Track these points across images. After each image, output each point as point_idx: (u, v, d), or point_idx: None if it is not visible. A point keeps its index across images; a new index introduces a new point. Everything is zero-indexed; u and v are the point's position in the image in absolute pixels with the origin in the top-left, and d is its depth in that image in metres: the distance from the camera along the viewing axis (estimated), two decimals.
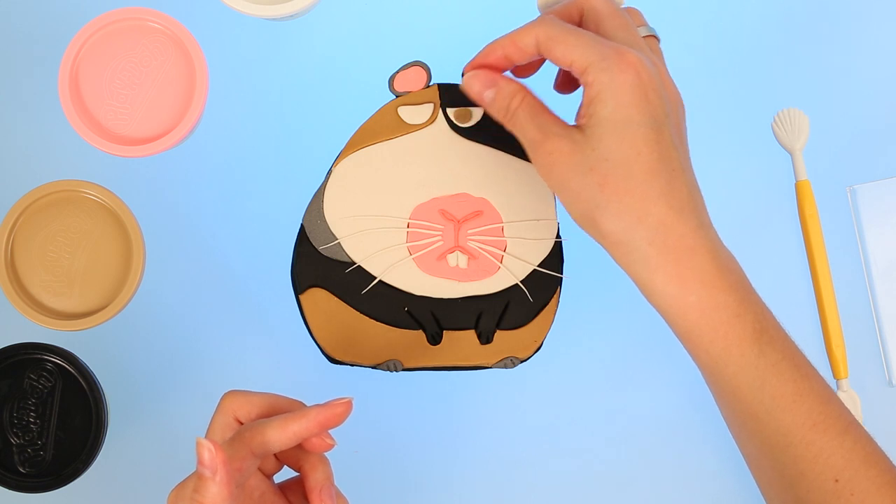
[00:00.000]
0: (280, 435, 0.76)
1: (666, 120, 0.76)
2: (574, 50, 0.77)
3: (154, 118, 0.90)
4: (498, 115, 0.82)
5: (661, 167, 0.75)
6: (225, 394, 0.79)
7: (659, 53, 0.82)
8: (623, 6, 0.83)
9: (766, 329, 0.76)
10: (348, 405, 0.77)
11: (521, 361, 0.92)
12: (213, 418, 0.79)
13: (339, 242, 0.91)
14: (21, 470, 0.88)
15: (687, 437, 0.94)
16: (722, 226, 0.78)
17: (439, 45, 0.94)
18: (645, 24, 0.83)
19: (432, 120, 0.92)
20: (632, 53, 0.76)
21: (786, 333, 0.78)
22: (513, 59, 0.81)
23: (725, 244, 0.79)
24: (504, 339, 0.92)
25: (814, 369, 0.78)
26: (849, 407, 0.92)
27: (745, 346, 0.76)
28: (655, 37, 0.82)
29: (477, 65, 0.83)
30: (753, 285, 0.78)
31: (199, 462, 0.73)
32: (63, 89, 0.89)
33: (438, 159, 0.92)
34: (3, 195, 0.91)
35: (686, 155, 0.79)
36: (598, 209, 0.76)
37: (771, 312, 0.78)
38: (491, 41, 0.81)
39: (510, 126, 0.81)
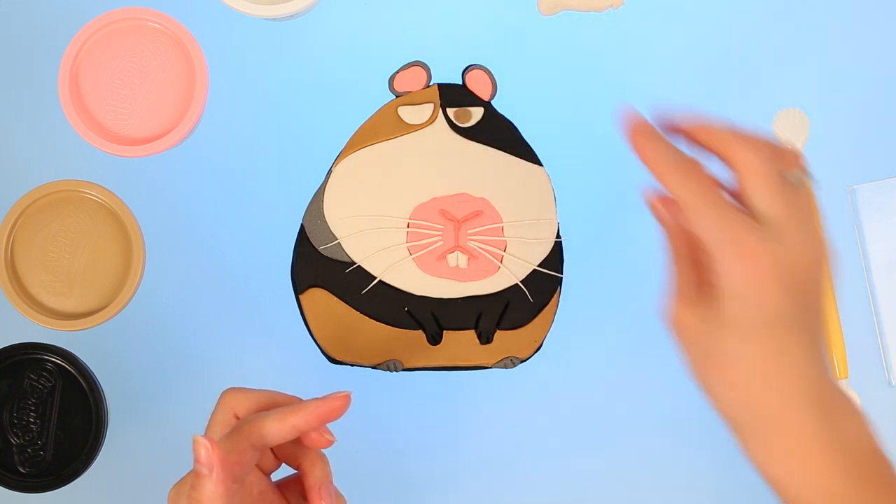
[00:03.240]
0: (279, 427, 0.76)
1: (788, 311, 0.72)
2: (703, 232, 0.73)
3: (154, 118, 0.90)
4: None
5: (778, 365, 0.72)
6: (224, 391, 0.79)
7: (806, 204, 0.75)
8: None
9: None
10: (347, 398, 0.77)
11: (521, 361, 0.92)
12: (212, 415, 0.79)
13: (339, 242, 0.91)
14: (21, 470, 0.88)
15: (687, 437, 0.94)
16: None
17: (439, 45, 0.94)
18: (794, 169, 0.75)
19: (432, 120, 0.92)
20: (751, 241, 0.72)
21: None
22: (655, 178, 0.77)
23: None
24: (504, 339, 0.91)
25: None
26: None
27: None
28: (806, 180, 0.76)
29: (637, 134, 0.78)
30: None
31: (196, 460, 0.73)
32: (63, 89, 0.89)
33: (438, 159, 0.92)
34: (3, 195, 0.91)
35: (814, 321, 0.74)
36: (711, 391, 0.74)
37: None
38: (655, 150, 0.76)
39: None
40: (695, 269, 0.76)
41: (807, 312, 0.73)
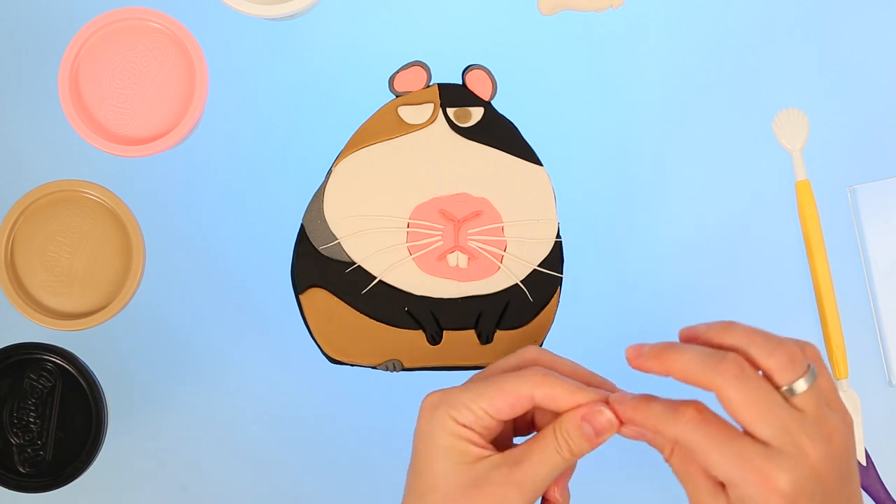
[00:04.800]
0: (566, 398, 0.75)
1: None
2: (718, 467, 0.72)
3: (154, 118, 0.90)
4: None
5: None
6: (534, 368, 0.77)
7: (813, 405, 0.73)
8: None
9: None
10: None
11: None
12: (511, 383, 0.76)
13: (339, 242, 0.91)
14: (21, 470, 0.88)
15: None
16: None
17: (439, 45, 0.94)
18: (798, 377, 0.73)
19: (432, 120, 0.92)
20: (778, 476, 0.71)
21: None
22: (650, 431, 0.76)
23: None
24: (504, 339, 0.91)
25: None
26: (849, 407, 0.92)
27: None
28: (818, 369, 0.75)
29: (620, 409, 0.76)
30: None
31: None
32: (63, 89, 0.89)
33: (438, 159, 0.92)
34: (3, 195, 0.91)
35: (854, 494, 0.74)
36: None
37: None
38: (639, 404, 0.75)
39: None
40: (700, 470, 0.74)
41: (849, 477, 0.73)
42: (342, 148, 0.92)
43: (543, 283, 0.92)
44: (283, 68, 0.95)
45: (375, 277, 0.91)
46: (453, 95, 0.92)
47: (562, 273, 0.92)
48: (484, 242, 0.91)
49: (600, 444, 0.75)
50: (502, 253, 0.91)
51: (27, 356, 0.88)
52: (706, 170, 0.96)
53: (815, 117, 0.96)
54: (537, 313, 0.92)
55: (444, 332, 0.91)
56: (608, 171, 0.95)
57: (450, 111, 0.92)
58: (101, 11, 0.90)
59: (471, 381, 0.79)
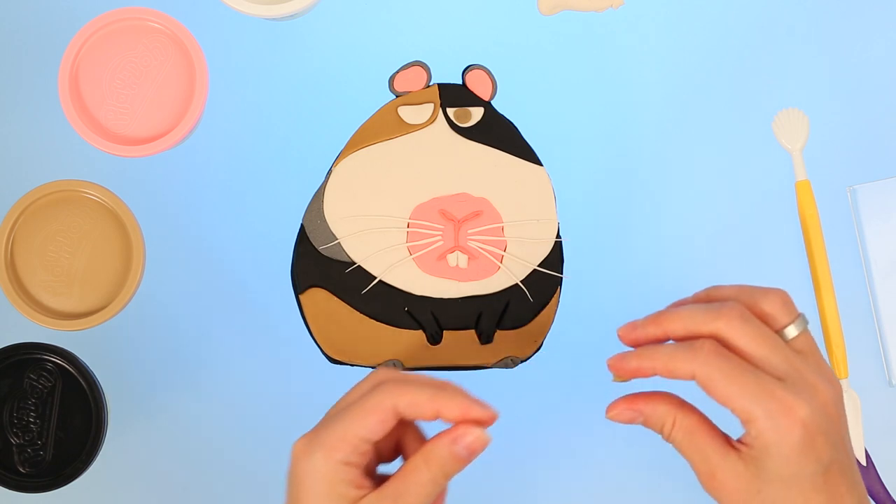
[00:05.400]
0: (425, 404, 0.74)
1: (834, 455, 0.73)
2: (736, 402, 0.72)
3: (154, 118, 0.90)
4: (656, 431, 0.78)
5: None
6: (381, 379, 0.75)
7: (809, 349, 0.76)
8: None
9: None
10: (491, 419, 0.75)
11: (521, 361, 0.92)
12: (365, 401, 0.74)
13: (339, 242, 0.91)
14: (21, 470, 0.88)
15: None
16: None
17: (439, 45, 0.94)
18: (793, 321, 0.76)
19: (432, 120, 0.92)
20: (799, 406, 0.72)
21: None
22: (664, 375, 0.76)
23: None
24: (504, 339, 0.92)
25: None
26: (848, 407, 0.92)
27: None
28: (805, 327, 0.77)
29: (628, 363, 0.77)
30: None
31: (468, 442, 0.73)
32: (63, 89, 0.89)
33: (438, 159, 0.92)
34: (3, 195, 0.91)
35: (849, 458, 0.75)
36: None
37: None
38: (646, 352, 0.75)
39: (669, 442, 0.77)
40: (712, 435, 0.75)
41: (847, 456, 0.74)
42: (342, 148, 0.92)
43: (543, 283, 0.92)
44: (283, 68, 0.95)
45: (375, 277, 0.91)
46: (453, 95, 0.92)
47: (562, 273, 0.92)
48: (484, 242, 0.91)
49: (474, 459, 0.74)
50: (502, 253, 0.91)
51: (27, 356, 0.88)
52: (706, 170, 0.96)
53: (815, 117, 0.96)
54: (537, 313, 0.92)
55: (444, 332, 0.91)
56: (608, 171, 0.95)
57: (450, 111, 0.92)
58: (101, 11, 0.90)
59: (329, 416, 0.76)
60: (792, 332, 0.75)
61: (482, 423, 0.74)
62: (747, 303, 0.75)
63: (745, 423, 0.73)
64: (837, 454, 0.73)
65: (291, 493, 0.74)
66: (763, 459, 0.72)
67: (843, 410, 0.75)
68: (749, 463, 0.73)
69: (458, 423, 0.74)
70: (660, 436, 0.77)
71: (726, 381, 0.72)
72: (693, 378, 0.73)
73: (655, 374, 0.75)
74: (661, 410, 0.76)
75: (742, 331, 0.73)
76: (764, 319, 0.75)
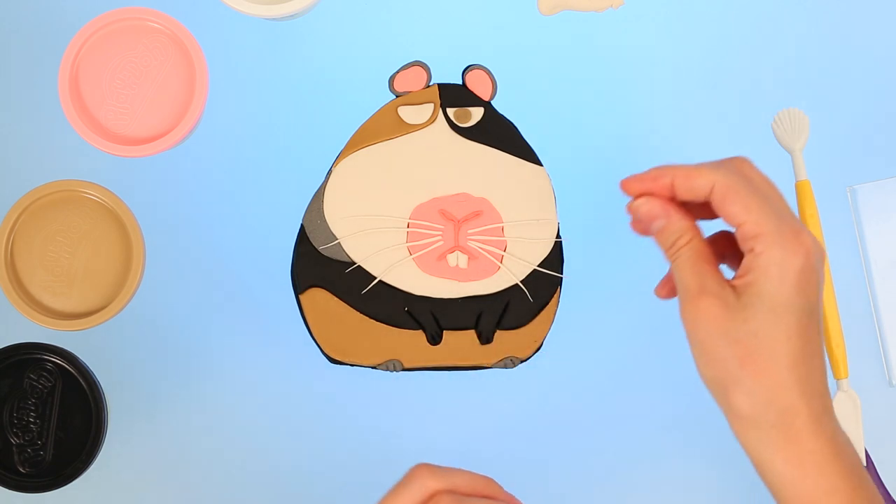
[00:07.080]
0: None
1: (818, 304, 0.74)
2: (751, 214, 0.73)
3: (154, 118, 0.90)
4: (662, 246, 0.78)
5: (804, 355, 0.73)
6: (417, 467, 0.78)
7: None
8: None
9: None
10: None
11: (521, 361, 0.92)
12: (399, 489, 0.78)
13: (339, 242, 0.91)
14: (21, 470, 0.88)
15: (687, 437, 0.94)
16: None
17: (439, 45, 0.94)
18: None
19: (432, 120, 0.92)
20: (806, 235, 0.73)
21: None
22: (678, 192, 0.76)
23: None
24: (504, 339, 0.92)
25: None
26: (849, 407, 0.92)
27: None
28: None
29: (639, 184, 0.77)
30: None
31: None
32: (63, 89, 0.89)
33: (438, 159, 0.92)
34: (3, 195, 0.91)
35: (820, 323, 0.76)
36: (732, 381, 0.73)
37: (882, 499, 0.77)
38: (663, 165, 0.77)
39: (670, 261, 0.77)
40: (715, 267, 0.76)
41: (819, 311, 0.75)
42: (342, 148, 0.92)
43: (543, 283, 0.92)
44: (283, 68, 0.95)
45: (375, 277, 0.91)
46: (453, 95, 0.92)
47: (562, 273, 0.92)
48: (484, 242, 0.91)
49: None
50: (502, 253, 0.91)
51: (27, 356, 0.88)
52: None
53: (815, 117, 0.96)
54: (537, 313, 0.92)
55: (444, 332, 0.91)
56: (608, 171, 0.95)
57: (450, 111, 0.92)
58: (101, 11, 0.90)
59: None
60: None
61: None
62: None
63: (752, 239, 0.73)
64: (818, 306, 0.74)
65: None
66: (760, 283, 0.73)
67: (823, 269, 0.76)
68: (742, 293, 0.74)
69: None
70: (661, 250, 0.77)
71: (746, 192, 0.73)
72: (711, 189, 0.74)
73: (673, 188, 0.76)
74: (685, 224, 0.76)
75: (754, 169, 0.76)
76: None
